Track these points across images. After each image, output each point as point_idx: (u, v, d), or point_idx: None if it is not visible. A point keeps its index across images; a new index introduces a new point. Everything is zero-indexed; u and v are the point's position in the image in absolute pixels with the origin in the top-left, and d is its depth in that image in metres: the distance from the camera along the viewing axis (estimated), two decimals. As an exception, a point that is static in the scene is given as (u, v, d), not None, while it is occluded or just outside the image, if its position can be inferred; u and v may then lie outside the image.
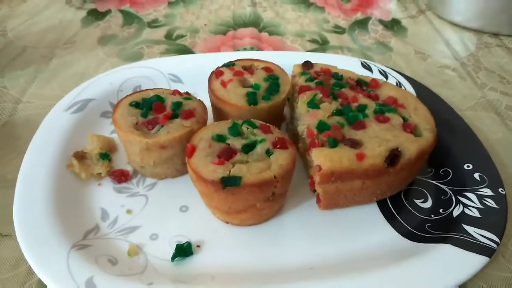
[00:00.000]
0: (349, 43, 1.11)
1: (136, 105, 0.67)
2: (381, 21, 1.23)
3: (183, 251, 0.58)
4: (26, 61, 0.98)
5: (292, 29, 1.17)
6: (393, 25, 1.21)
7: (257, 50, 1.06)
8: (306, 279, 0.55)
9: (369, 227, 0.64)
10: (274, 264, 0.58)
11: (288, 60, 0.82)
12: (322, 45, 1.10)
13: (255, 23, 1.19)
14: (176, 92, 0.71)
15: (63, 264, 0.53)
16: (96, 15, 1.20)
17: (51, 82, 0.92)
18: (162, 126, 0.64)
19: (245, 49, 1.06)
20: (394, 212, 0.65)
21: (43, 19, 1.16)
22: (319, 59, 0.82)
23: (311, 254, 0.60)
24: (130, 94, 0.71)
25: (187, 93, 0.72)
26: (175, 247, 0.58)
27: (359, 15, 1.26)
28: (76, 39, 1.08)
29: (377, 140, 0.61)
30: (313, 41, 1.12)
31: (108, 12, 1.21)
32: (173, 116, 0.65)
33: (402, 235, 0.62)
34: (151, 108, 0.66)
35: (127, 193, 0.67)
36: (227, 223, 0.63)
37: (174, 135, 0.63)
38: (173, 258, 0.58)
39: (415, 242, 0.60)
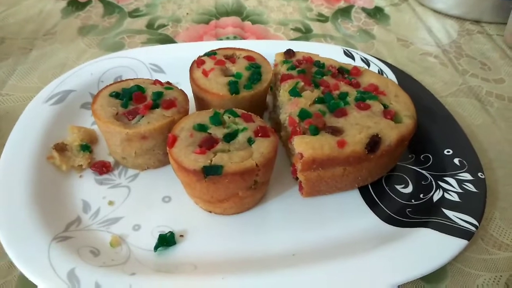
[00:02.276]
0: (332, 32, 1.11)
1: (116, 95, 0.67)
2: (364, 9, 1.23)
3: (166, 241, 0.58)
4: (5, 53, 0.96)
5: (275, 17, 1.17)
6: (376, 13, 1.21)
7: (240, 39, 1.05)
8: (288, 266, 0.55)
9: (351, 213, 0.64)
10: (257, 252, 0.58)
11: (270, 49, 0.82)
12: (305, 33, 1.10)
13: (238, 12, 1.18)
14: (157, 82, 0.70)
15: (44, 257, 0.53)
16: (76, 5, 1.17)
17: (31, 74, 0.90)
18: (143, 117, 0.63)
19: (228, 38, 1.05)
20: (376, 198, 0.66)
21: (22, 9, 1.14)
22: (302, 47, 0.82)
23: (294, 241, 0.60)
24: (110, 85, 0.70)
25: (168, 82, 0.72)
26: (158, 237, 0.58)
27: (342, 3, 1.25)
28: (56, 30, 1.06)
29: (358, 127, 0.61)
30: (296, 29, 1.12)
31: (89, 2, 1.19)
32: (154, 106, 0.65)
33: (384, 220, 0.63)
34: (131, 98, 0.66)
35: (109, 184, 0.67)
36: (210, 212, 0.63)
37: (155, 125, 0.62)
38: (156, 248, 0.58)
39: (396, 227, 0.61)
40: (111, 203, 0.64)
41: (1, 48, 0.98)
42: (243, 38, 1.06)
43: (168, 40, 1.05)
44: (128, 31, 1.07)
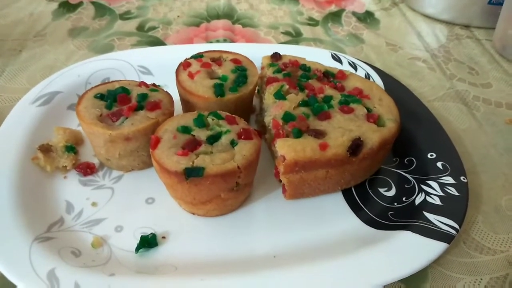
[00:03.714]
0: (322, 36, 1.12)
1: (101, 97, 0.67)
2: (354, 13, 1.23)
3: (148, 242, 0.58)
4: (-6, 54, 0.97)
5: (266, 21, 1.17)
6: (366, 17, 1.22)
7: (230, 42, 1.06)
8: (269, 267, 0.55)
9: (333, 215, 0.64)
10: (238, 254, 0.58)
11: (259, 52, 0.82)
12: (295, 37, 1.11)
13: (229, 15, 1.19)
14: (142, 83, 0.70)
15: (24, 257, 0.53)
16: (67, 7, 1.18)
17: (19, 75, 0.90)
18: (127, 118, 0.63)
19: (217, 41, 1.06)
20: (358, 200, 0.66)
21: (13, 11, 1.14)
22: (290, 51, 0.83)
23: (276, 243, 0.60)
24: (96, 86, 0.70)
25: (153, 84, 0.72)
26: (139, 238, 0.59)
27: (333, 8, 1.26)
28: (46, 32, 1.06)
29: (340, 130, 0.62)
30: (286, 33, 1.12)
31: (80, 4, 1.19)
32: (138, 108, 0.65)
33: (366, 223, 0.63)
34: (115, 100, 0.66)
35: (93, 185, 0.67)
36: (193, 214, 0.64)
37: (138, 127, 0.62)
38: (137, 249, 0.58)
39: (378, 230, 0.61)
40: (94, 204, 0.64)
41: (-10, 49, 0.98)
42: (233, 41, 1.07)
43: (158, 42, 1.05)
44: (118, 33, 1.07)
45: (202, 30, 1.11)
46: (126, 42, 1.04)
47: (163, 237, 0.60)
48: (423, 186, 0.66)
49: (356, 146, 0.60)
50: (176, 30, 1.11)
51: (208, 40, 1.06)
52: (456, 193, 0.64)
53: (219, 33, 1.10)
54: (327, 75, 0.74)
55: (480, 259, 0.60)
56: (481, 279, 0.58)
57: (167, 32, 1.09)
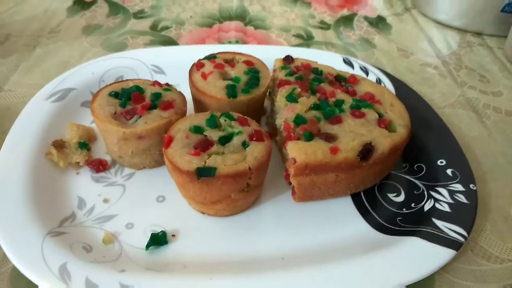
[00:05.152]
0: (334, 39, 1.12)
1: (115, 95, 0.68)
2: (366, 18, 1.24)
3: (158, 240, 0.59)
4: (9, 50, 0.98)
5: (278, 23, 1.18)
6: (378, 22, 1.22)
7: (242, 43, 1.07)
8: (276, 269, 0.56)
9: (342, 219, 0.65)
10: (247, 254, 0.59)
11: (271, 54, 0.83)
12: (307, 40, 1.11)
13: (241, 16, 1.19)
14: (156, 83, 0.71)
15: (37, 250, 0.54)
16: (82, 4, 1.19)
17: (33, 71, 0.92)
18: (140, 117, 0.64)
19: (230, 42, 1.07)
20: (367, 205, 0.67)
21: (28, 7, 1.15)
22: (302, 54, 0.83)
23: (284, 245, 0.61)
24: (110, 84, 0.71)
25: (167, 84, 0.73)
26: (150, 236, 0.59)
27: (345, 12, 1.26)
28: (60, 28, 1.07)
29: (351, 134, 0.62)
30: (298, 36, 1.13)
31: (94, 2, 1.21)
32: (152, 106, 0.66)
33: (374, 228, 0.63)
34: (130, 98, 0.67)
35: (105, 182, 0.68)
36: (203, 213, 0.64)
37: (152, 126, 0.63)
38: (147, 246, 0.58)
39: (386, 235, 0.61)
40: (106, 200, 0.65)
41: (5, 44, 0.99)
42: (245, 42, 1.08)
43: (171, 42, 1.06)
44: (131, 32, 1.09)
45: (214, 31, 1.12)
46: (139, 41, 1.05)
47: (173, 235, 0.61)
48: (432, 193, 0.66)
49: (367, 151, 0.60)
50: (189, 30, 1.11)
51: (220, 41, 1.07)
52: (465, 201, 0.64)
53: (231, 34, 1.10)
54: (339, 79, 0.75)
55: (487, 267, 0.61)
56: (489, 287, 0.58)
57: (180, 32, 1.10)
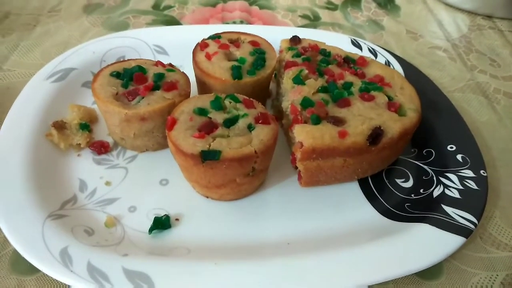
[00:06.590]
0: (341, 20, 1.09)
1: (117, 75, 0.66)
2: (374, -1, 1.21)
3: (161, 223, 0.58)
4: (8, 28, 0.95)
5: (283, 3, 1.15)
6: (386, 3, 1.19)
7: (247, 23, 1.04)
8: (282, 254, 0.55)
9: (349, 205, 0.64)
10: (251, 239, 0.58)
11: (277, 35, 0.81)
12: (313, 21, 1.08)
13: (246, -4, 1.16)
14: (158, 63, 0.69)
15: (38, 234, 0.53)
16: (83, -18, 1.16)
17: (33, 51, 0.90)
18: (143, 98, 0.62)
19: (234, 23, 1.04)
20: (375, 190, 0.65)
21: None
22: (309, 35, 0.80)
23: (289, 230, 0.60)
24: (111, 64, 0.69)
25: (170, 64, 0.71)
26: (153, 219, 0.58)
27: (352, -8, 1.23)
28: (61, 7, 1.05)
29: (360, 118, 0.60)
30: (304, 16, 1.10)
31: (95, -20, 1.17)
32: (155, 87, 0.64)
33: (382, 214, 0.62)
34: (132, 78, 0.65)
35: (107, 164, 0.66)
36: (207, 197, 0.63)
37: (154, 107, 0.61)
38: (150, 230, 0.57)
39: (393, 221, 0.60)
40: (108, 183, 0.63)
41: (5, 23, 0.97)
42: (249, 23, 1.05)
43: (173, 22, 1.03)
44: (133, 11, 1.06)
45: (218, 11, 1.09)
46: (141, 21, 1.02)
47: (177, 219, 0.60)
48: (442, 179, 0.64)
49: (376, 135, 0.59)
50: (192, 9, 1.09)
51: (224, 21, 1.04)
52: (476, 187, 0.62)
53: (236, 14, 1.08)
54: (348, 61, 0.72)
55: (496, 255, 0.59)
56: (497, 275, 0.57)
57: (183, 12, 1.07)
